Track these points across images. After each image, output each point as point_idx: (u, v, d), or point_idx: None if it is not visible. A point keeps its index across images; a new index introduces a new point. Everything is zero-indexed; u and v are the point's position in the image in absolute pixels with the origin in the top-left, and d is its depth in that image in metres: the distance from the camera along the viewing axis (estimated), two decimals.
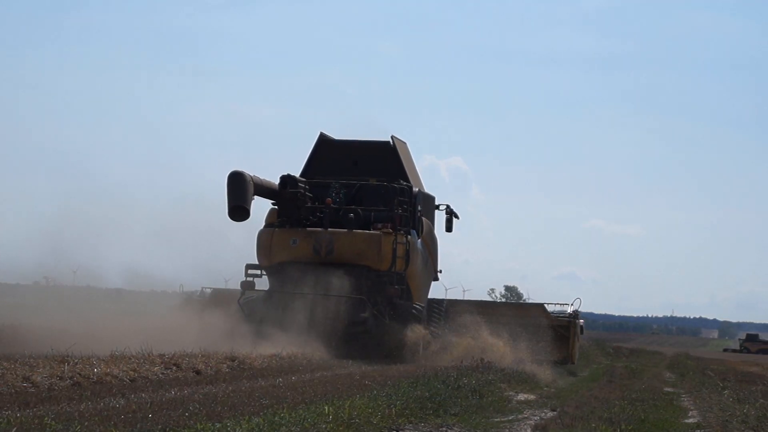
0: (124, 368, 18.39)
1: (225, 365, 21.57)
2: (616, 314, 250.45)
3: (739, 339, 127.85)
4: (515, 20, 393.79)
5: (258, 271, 31.28)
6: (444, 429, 15.47)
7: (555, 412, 18.32)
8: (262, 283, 31.94)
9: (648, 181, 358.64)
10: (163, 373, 19.16)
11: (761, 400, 21.91)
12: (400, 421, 15.40)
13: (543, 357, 31.78)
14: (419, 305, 32.13)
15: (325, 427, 13.48)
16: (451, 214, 34.53)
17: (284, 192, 30.83)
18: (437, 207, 34.69)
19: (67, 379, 16.59)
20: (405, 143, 34.35)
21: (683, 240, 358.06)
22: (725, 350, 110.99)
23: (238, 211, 28.99)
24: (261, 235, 31.12)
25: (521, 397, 21.69)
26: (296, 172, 32.31)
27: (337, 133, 34.20)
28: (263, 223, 31.77)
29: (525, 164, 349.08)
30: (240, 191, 28.95)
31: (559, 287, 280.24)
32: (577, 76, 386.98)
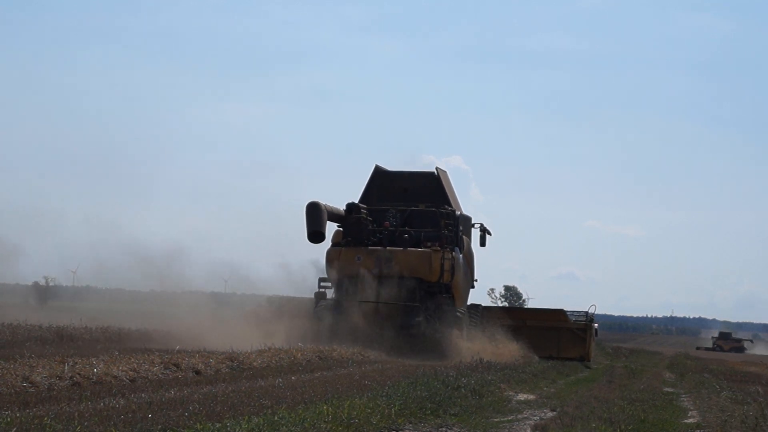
0: (124, 368, 18.40)
1: (224, 365, 21.60)
2: (616, 314, 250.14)
3: (713, 337, 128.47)
4: (515, 20, 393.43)
5: (328, 283, 36.36)
6: (443, 429, 15.47)
7: (555, 412, 18.33)
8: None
9: (648, 181, 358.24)
10: (162, 373, 19.18)
11: (760, 400, 21.92)
12: (399, 421, 15.40)
13: (563, 355, 38.54)
14: (461, 310, 37.50)
15: (325, 427, 13.48)
16: (484, 231, 39.95)
17: (350, 217, 36.44)
18: (473, 225, 39.96)
19: (66, 379, 16.60)
20: (446, 172, 39.40)
21: (683, 240, 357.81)
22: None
23: (316, 235, 34.63)
24: (330, 253, 36.19)
25: (521, 397, 21.68)
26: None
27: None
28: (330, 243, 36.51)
29: (524, 164, 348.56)
30: (317, 218, 34.62)
31: (559, 287, 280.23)
32: (577, 76, 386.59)
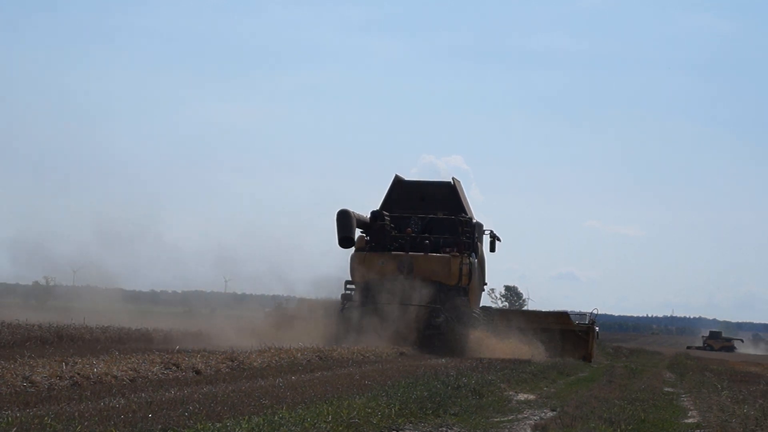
0: (124, 368, 18.39)
1: (224, 365, 21.59)
2: (616, 314, 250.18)
3: (703, 336, 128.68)
4: (515, 20, 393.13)
5: (353, 286, 38.54)
6: (444, 429, 15.46)
7: (555, 412, 18.31)
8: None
9: (648, 181, 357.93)
10: (162, 373, 19.18)
11: (760, 401, 21.91)
12: (399, 421, 15.39)
13: (567, 355, 40.13)
14: (477, 312, 40.07)
15: (325, 427, 13.47)
16: (494, 237, 42.26)
17: (374, 224, 38.88)
18: (484, 232, 42.31)
19: (67, 379, 16.58)
20: (460, 181, 41.89)
21: (682, 240, 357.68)
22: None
23: (346, 240, 37.32)
24: (355, 258, 38.56)
25: (521, 397, 21.66)
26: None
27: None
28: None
29: (524, 164, 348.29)
30: (347, 225, 37.25)
31: (559, 287, 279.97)
32: (577, 76, 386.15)
